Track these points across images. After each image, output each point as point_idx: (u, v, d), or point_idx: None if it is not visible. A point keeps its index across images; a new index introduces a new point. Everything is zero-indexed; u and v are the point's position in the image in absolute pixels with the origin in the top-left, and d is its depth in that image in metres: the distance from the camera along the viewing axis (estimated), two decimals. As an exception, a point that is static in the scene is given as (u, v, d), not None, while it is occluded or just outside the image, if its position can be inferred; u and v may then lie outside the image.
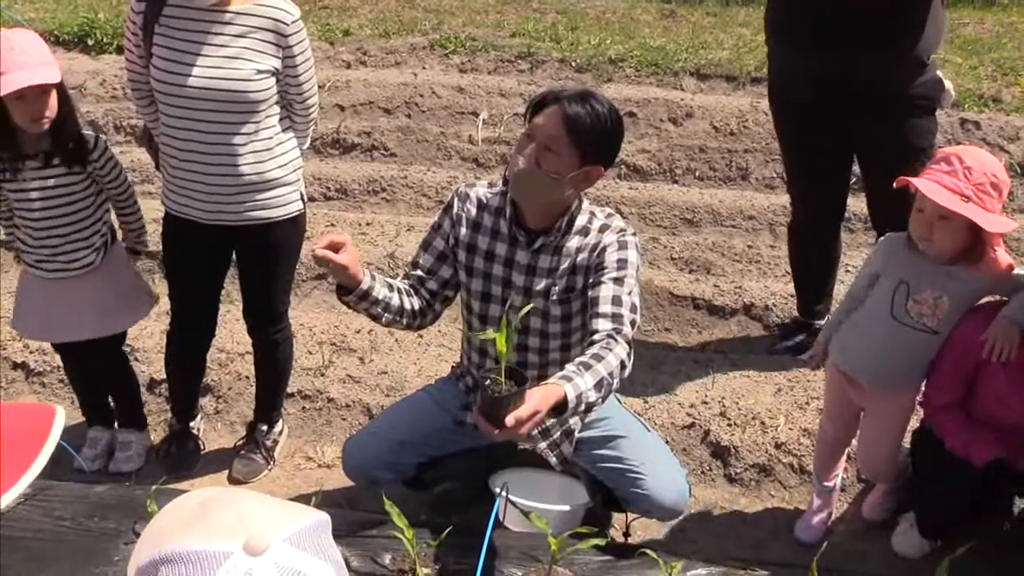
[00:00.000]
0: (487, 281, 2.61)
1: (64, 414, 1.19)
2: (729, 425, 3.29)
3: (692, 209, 4.76)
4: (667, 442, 3.09)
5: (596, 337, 2.36)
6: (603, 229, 2.53)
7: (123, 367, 3.27)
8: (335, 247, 2.36)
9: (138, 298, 3.14)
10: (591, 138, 2.40)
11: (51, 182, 2.85)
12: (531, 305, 2.45)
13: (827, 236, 3.64)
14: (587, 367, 2.25)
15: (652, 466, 2.63)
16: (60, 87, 2.76)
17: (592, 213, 2.57)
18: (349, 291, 2.46)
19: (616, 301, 2.42)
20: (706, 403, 3.41)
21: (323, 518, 1.03)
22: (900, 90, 3.18)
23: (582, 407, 2.24)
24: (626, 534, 2.88)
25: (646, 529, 2.94)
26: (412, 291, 2.63)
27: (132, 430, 3.28)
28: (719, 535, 2.97)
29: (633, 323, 2.42)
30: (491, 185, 2.68)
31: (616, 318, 2.39)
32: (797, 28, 3.24)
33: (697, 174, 5.12)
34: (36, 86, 2.64)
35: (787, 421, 3.30)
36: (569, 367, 2.27)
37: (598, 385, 2.24)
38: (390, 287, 2.55)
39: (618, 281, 2.45)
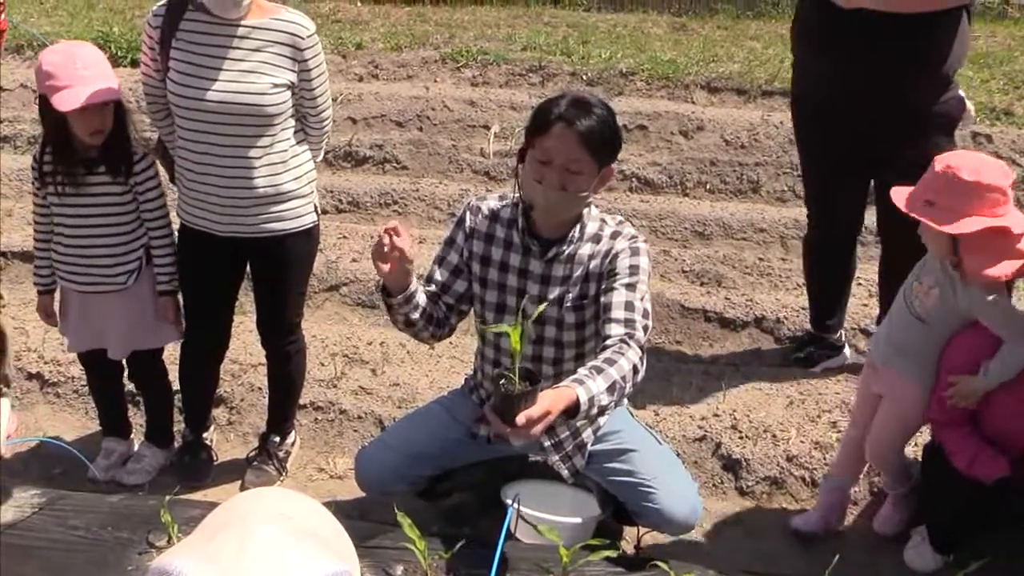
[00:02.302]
0: (502, 292, 2.62)
1: (8, 405, 1.16)
2: (740, 438, 3.29)
3: (703, 222, 4.77)
4: (678, 454, 3.09)
5: (609, 342, 2.39)
6: (615, 236, 2.55)
7: (153, 377, 3.24)
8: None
9: (163, 324, 3.09)
10: (604, 146, 2.45)
11: (93, 190, 2.89)
12: (544, 305, 2.48)
13: (843, 250, 3.61)
14: (599, 371, 2.27)
15: (664, 480, 2.63)
16: (118, 101, 2.80)
17: (603, 220, 2.59)
18: (391, 293, 2.48)
19: (628, 307, 2.44)
20: (717, 416, 3.40)
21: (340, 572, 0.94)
22: (922, 105, 3.16)
23: (594, 410, 2.26)
24: (637, 547, 2.87)
25: (657, 541, 2.93)
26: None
27: (152, 445, 3.28)
28: (730, 547, 2.96)
29: (646, 328, 2.44)
30: (502, 197, 2.70)
31: (629, 323, 2.41)
32: (825, 36, 3.22)
33: (708, 187, 5.13)
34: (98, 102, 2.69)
35: (798, 434, 3.29)
36: (581, 371, 2.30)
37: (610, 389, 2.25)
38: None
39: (630, 287, 2.47)
